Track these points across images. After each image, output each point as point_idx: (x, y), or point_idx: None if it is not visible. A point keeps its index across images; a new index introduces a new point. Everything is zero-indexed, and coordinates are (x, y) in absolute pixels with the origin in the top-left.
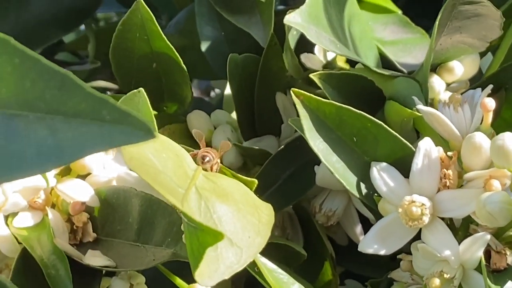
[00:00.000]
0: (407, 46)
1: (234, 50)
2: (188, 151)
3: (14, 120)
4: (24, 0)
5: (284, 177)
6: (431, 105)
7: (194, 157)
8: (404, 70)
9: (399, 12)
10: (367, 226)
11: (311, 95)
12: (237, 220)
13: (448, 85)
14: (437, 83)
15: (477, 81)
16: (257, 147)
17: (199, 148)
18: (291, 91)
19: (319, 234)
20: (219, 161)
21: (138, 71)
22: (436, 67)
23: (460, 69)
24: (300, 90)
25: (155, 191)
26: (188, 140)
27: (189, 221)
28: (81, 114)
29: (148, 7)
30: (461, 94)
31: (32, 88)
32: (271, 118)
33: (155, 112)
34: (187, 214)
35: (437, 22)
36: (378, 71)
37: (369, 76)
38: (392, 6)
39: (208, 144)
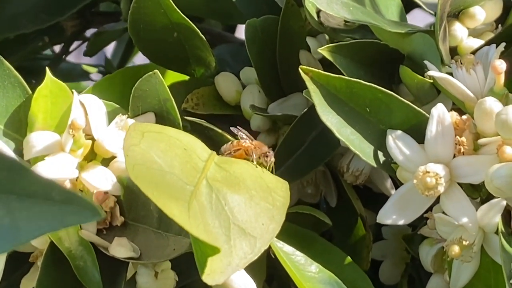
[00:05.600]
0: None
1: None
2: (226, 141)
3: None
4: None
5: (310, 138)
6: (455, 51)
7: (236, 149)
8: (432, 12)
9: None
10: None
11: (320, 71)
12: (249, 209)
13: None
14: (459, 30)
15: (503, 21)
16: (280, 113)
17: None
18: (300, 69)
19: (351, 192)
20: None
21: (160, 41)
22: (458, 14)
23: (482, 14)
24: (308, 67)
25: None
26: (217, 102)
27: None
28: (34, 195)
29: None
30: (473, 54)
31: None
32: (296, 75)
33: (186, 77)
34: (185, 227)
35: None
36: (393, 30)
37: (383, 38)
38: None
39: (238, 105)
